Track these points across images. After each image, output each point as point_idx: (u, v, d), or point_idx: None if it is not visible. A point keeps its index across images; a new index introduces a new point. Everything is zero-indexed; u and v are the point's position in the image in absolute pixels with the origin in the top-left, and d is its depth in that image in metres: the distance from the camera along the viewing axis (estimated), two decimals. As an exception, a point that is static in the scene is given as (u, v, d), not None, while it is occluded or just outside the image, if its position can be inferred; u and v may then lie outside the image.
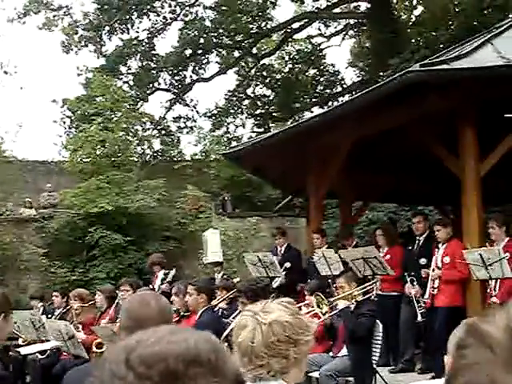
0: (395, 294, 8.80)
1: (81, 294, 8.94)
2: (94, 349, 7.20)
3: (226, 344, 5.09)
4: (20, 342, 8.42)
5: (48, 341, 8.00)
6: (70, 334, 7.46)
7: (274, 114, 26.80)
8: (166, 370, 0.91)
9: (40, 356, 8.49)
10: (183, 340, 0.96)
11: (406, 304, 8.58)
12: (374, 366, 7.04)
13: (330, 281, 8.55)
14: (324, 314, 6.98)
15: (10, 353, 8.41)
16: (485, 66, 7.53)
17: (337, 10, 26.59)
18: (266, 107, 27.00)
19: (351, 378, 7.02)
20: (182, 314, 6.98)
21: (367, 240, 12.44)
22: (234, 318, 6.01)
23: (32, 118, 32.05)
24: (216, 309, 7.54)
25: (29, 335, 8.29)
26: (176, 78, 26.23)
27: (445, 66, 7.64)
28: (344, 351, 7.11)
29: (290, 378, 2.37)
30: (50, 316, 9.68)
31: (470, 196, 8.03)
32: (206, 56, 26.00)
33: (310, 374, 6.98)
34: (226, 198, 20.88)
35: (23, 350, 8.10)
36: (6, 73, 24.30)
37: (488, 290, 7.42)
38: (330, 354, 7.36)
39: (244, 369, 2.30)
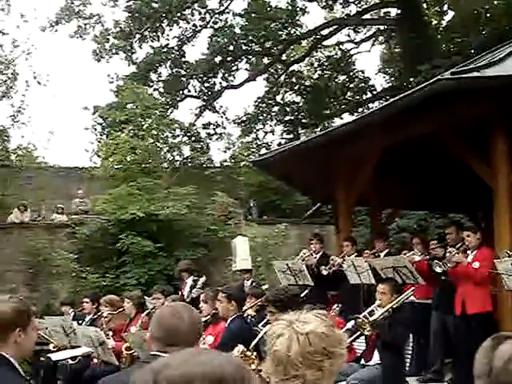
0: (428, 302, 8.71)
1: (112, 300, 8.98)
2: (124, 352, 7.24)
3: (256, 352, 5.11)
4: (51, 347, 8.47)
5: (79, 347, 8.07)
6: (101, 340, 7.53)
7: (303, 121, 26.76)
8: None
9: (71, 362, 8.58)
10: (208, 361, 0.98)
11: (436, 311, 8.50)
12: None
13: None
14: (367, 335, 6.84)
15: (41, 358, 8.51)
16: (516, 74, 7.46)
17: (367, 16, 26.51)
18: (296, 114, 26.96)
19: (380, 387, 6.98)
20: (208, 321, 7.01)
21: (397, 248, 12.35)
22: (262, 326, 6.00)
23: (64, 125, 32.47)
24: (244, 315, 7.56)
25: (60, 341, 8.37)
26: (206, 84, 26.38)
27: (475, 74, 7.58)
28: (375, 359, 7.05)
29: None
30: (80, 322, 9.76)
31: (501, 204, 7.95)
32: (236, 63, 26.14)
33: (338, 384, 6.94)
34: (252, 205, 20.90)
35: (54, 356, 8.16)
36: (39, 83, 24.64)
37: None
38: (362, 361, 7.30)
39: (277, 378, 2.31)
